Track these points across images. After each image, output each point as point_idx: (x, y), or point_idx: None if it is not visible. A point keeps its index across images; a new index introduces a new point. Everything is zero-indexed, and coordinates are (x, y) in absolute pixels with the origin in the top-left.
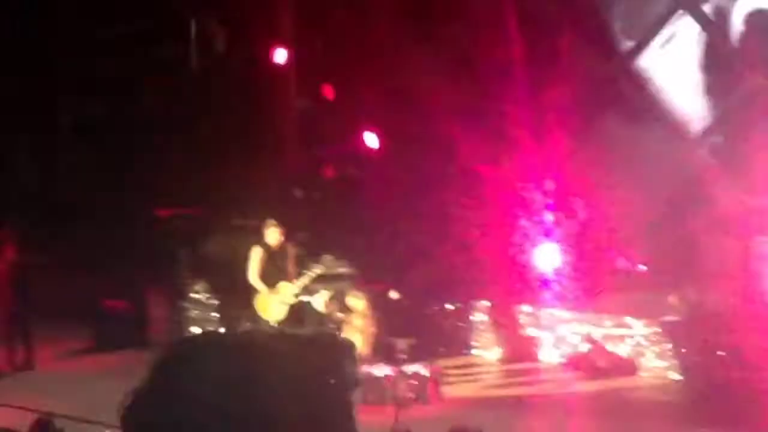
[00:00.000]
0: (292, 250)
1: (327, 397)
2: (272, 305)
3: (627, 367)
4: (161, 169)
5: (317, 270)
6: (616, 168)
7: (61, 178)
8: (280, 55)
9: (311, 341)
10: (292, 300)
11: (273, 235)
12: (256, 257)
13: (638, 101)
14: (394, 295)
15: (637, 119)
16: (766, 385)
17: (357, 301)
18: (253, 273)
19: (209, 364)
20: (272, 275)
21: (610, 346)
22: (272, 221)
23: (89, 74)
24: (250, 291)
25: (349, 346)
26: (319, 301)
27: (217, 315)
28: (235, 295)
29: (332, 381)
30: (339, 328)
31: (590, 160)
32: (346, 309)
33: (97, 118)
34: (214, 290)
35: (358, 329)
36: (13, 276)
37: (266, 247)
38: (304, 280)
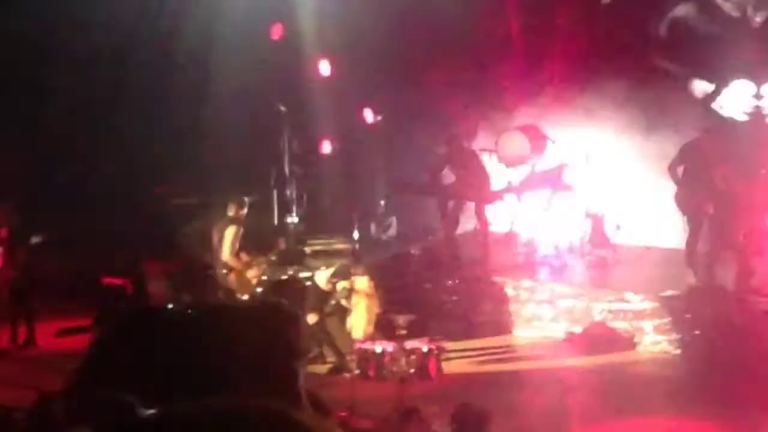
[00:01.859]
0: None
1: (270, 364)
2: (247, 281)
3: (625, 341)
4: (162, 148)
5: (316, 246)
6: (614, 140)
7: (61, 157)
8: (276, 30)
9: (254, 310)
10: (268, 275)
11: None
12: (229, 235)
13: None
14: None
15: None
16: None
17: (361, 280)
18: (228, 251)
19: (149, 337)
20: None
21: (609, 321)
22: (241, 197)
23: (81, 54)
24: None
25: (292, 313)
26: (321, 278)
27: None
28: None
29: (275, 347)
30: (342, 307)
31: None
32: (350, 289)
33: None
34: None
35: (362, 308)
36: (15, 255)
37: (240, 224)
38: (270, 257)
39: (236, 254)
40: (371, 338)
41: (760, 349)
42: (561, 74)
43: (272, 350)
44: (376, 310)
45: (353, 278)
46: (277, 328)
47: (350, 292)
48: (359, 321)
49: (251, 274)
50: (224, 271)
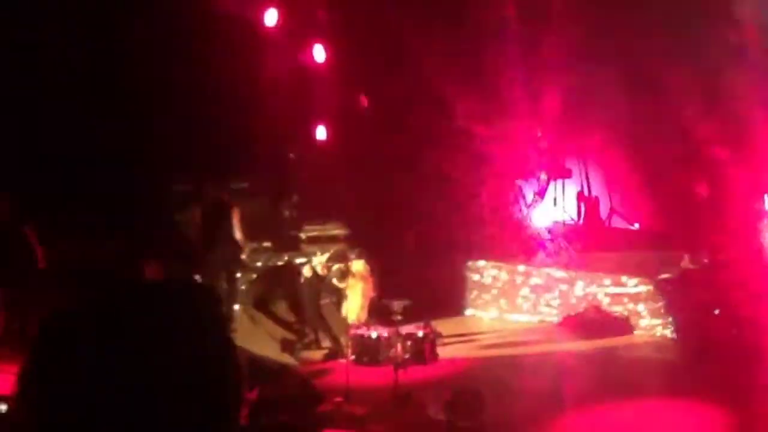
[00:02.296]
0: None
1: (192, 345)
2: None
3: (622, 325)
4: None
5: (311, 232)
6: (611, 127)
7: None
8: (271, 16)
9: (168, 290)
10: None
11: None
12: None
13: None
14: None
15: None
16: (761, 343)
17: (358, 264)
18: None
19: (76, 338)
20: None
21: (605, 305)
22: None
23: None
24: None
25: (207, 291)
26: (317, 263)
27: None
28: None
29: (194, 328)
30: (338, 291)
31: (584, 119)
32: (345, 272)
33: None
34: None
35: (357, 291)
36: (10, 239)
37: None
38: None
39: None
40: (366, 323)
41: (756, 335)
42: (555, 57)
43: (191, 329)
44: (371, 293)
45: (349, 262)
46: (194, 306)
47: (345, 274)
48: (354, 305)
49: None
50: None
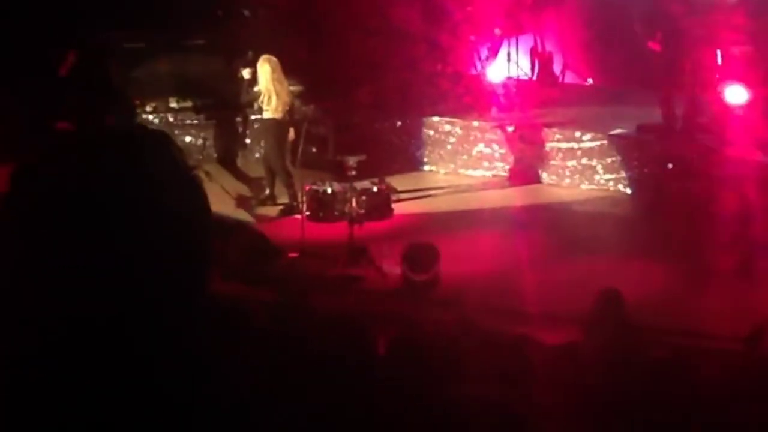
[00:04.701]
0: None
1: (160, 189)
2: None
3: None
4: None
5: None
6: None
7: None
8: None
9: (125, 137)
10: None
11: None
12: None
13: None
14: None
15: None
16: (714, 197)
17: (263, 65)
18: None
19: (44, 189)
20: None
21: (559, 160)
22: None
23: None
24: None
25: (164, 135)
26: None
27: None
28: (185, 112)
29: (158, 172)
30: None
31: None
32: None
33: None
34: (166, 109)
35: (272, 95)
36: None
37: None
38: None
39: None
40: (321, 179)
41: (708, 188)
42: None
43: (148, 175)
44: (287, 98)
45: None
46: (148, 152)
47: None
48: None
49: None
50: None
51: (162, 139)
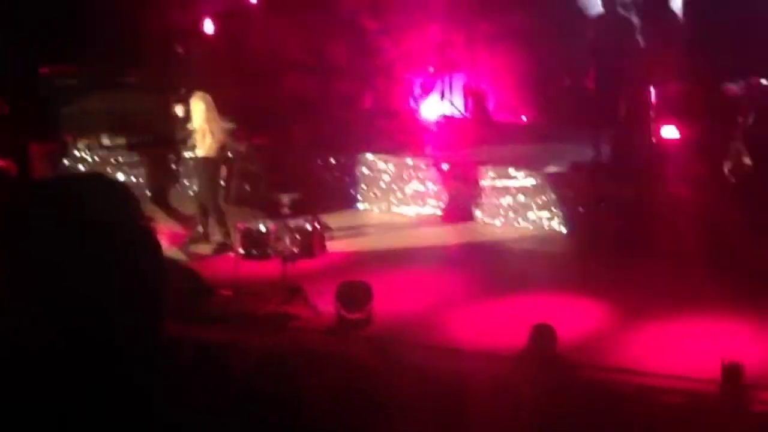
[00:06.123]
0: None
1: (114, 238)
2: None
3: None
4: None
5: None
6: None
7: None
8: None
9: (74, 185)
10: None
11: None
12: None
13: None
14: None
15: None
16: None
17: (196, 103)
18: None
19: None
20: None
21: (494, 197)
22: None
23: None
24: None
25: (115, 183)
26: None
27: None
28: (118, 150)
29: (110, 219)
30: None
31: (475, 13)
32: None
33: None
34: (98, 147)
35: (205, 133)
36: None
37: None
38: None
39: None
40: (254, 217)
41: (645, 226)
42: None
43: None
44: (219, 135)
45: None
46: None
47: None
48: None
49: None
50: None
51: (120, 188)
